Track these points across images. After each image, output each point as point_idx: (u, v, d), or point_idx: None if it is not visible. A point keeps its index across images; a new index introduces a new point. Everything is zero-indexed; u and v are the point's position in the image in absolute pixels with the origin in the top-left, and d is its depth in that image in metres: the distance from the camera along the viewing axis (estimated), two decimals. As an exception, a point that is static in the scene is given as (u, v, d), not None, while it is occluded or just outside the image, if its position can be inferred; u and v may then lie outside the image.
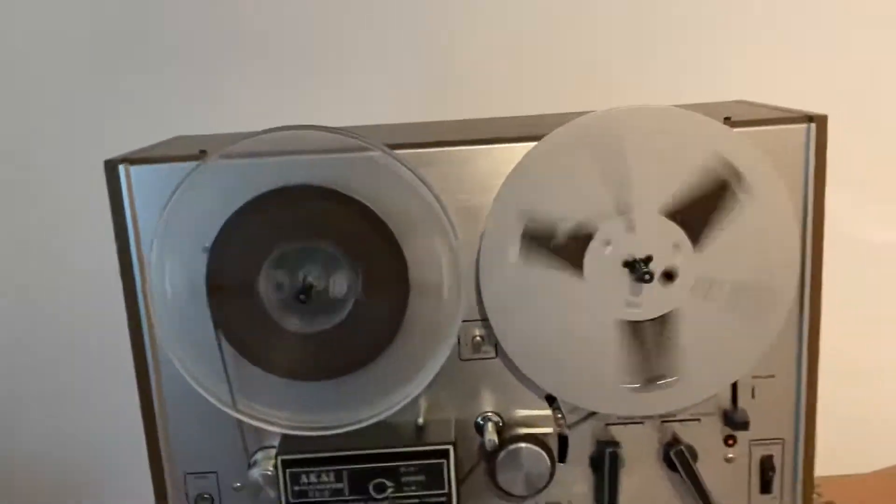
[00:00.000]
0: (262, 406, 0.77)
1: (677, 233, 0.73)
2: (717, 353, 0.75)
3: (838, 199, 1.26)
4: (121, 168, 0.74)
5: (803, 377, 0.78)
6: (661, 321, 0.74)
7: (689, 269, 0.73)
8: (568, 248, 0.73)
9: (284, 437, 0.77)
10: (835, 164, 0.78)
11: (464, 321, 0.76)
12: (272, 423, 0.76)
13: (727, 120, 0.74)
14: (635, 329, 0.75)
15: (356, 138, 0.71)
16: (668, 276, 0.73)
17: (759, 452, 0.80)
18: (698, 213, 0.72)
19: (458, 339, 0.77)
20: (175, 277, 0.74)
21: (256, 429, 0.78)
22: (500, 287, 0.75)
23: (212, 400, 0.75)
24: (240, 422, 0.78)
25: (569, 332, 0.75)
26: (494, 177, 0.73)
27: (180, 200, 0.72)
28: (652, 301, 0.74)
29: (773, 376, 0.78)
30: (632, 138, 0.72)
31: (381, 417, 0.75)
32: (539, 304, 0.75)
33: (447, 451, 0.75)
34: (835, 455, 1.28)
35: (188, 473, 0.81)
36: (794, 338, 0.78)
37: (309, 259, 0.73)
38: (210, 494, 0.81)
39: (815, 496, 1.22)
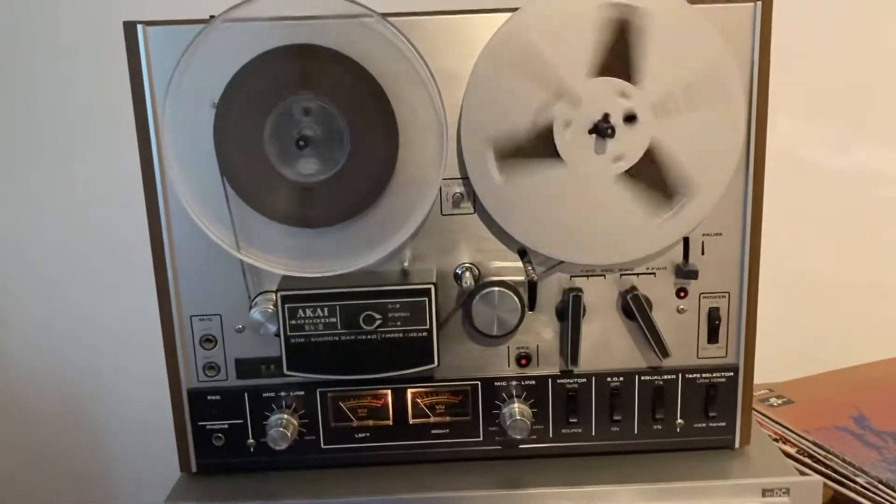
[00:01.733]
0: (262, 252, 0.85)
1: (614, 83, 0.81)
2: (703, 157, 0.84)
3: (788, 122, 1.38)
4: (139, 28, 0.82)
5: (747, 235, 0.87)
6: (648, 156, 0.83)
7: (644, 99, 0.81)
8: (539, 146, 0.82)
9: (284, 277, 0.86)
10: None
11: (445, 179, 0.85)
12: (272, 264, 0.85)
13: (687, -1, 0.83)
14: (633, 177, 0.84)
15: (353, 2, 0.79)
16: (631, 118, 0.81)
17: (707, 304, 0.90)
18: (619, 57, 0.80)
19: (440, 195, 0.86)
20: (186, 131, 0.82)
21: (257, 275, 0.87)
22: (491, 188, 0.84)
23: (218, 241, 0.83)
24: (243, 265, 0.86)
25: (565, 206, 0.84)
26: (474, 42, 0.82)
27: (190, 59, 0.80)
28: (631, 147, 0.82)
29: (720, 234, 0.88)
30: (535, 35, 0.80)
31: (371, 262, 0.84)
32: (531, 199, 0.84)
33: (429, 289, 0.84)
34: (793, 364, 1.40)
35: (193, 316, 0.89)
36: (740, 199, 0.87)
37: (308, 113, 0.82)
38: (213, 336, 0.90)
39: (773, 398, 1.33)
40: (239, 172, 0.83)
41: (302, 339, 0.84)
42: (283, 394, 0.91)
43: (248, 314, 0.86)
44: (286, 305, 0.84)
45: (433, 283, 0.84)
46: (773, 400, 1.30)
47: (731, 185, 0.85)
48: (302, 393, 0.91)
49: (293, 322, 0.84)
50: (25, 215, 1.38)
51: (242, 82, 0.81)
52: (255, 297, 0.88)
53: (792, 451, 1.16)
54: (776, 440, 1.19)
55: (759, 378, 1.35)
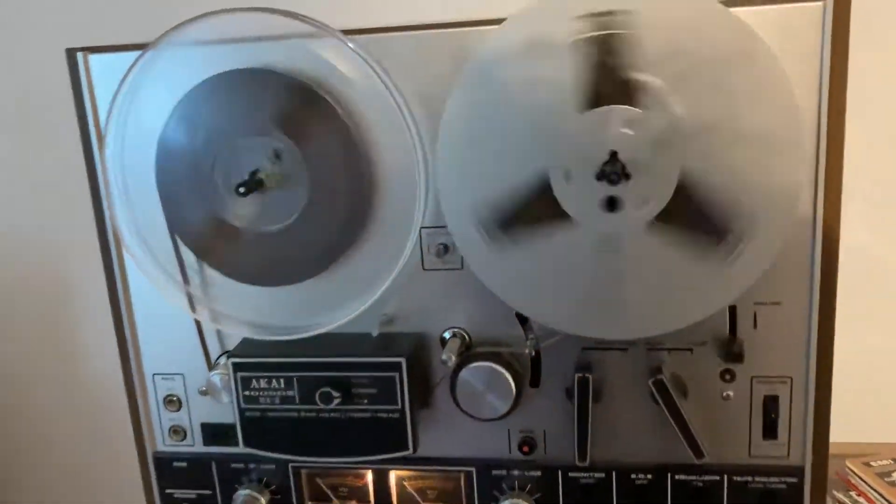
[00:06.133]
0: (221, 308, 0.74)
1: (615, 111, 0.61)
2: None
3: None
4: (79, 56, 0.72)
5: (815, 303, 0.67)
6: (683, 191, 0.62)
7: (660, 122, 0.61)
8: (539, 207, 0.64)
9: (244, 340, 0.74)
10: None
11: (425, 227, 0.70)
12: (230, 325, 0.73)
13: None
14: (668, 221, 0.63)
15: (310, 22, 0.66)
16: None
17: (761, 391, 0.70)
18: (613, 79, 0.61)
19: (420, 246, 0.71)
20: (130, 169, 0.72)
21: (219, 333, 0.77)
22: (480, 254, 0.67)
23: (168, 298, 0.73)
24: (199, 324, 0.76)
25: (576, 270, 0.65)
26: (453, 62, 0.66)
27: (136, 89, 0.70)
28: (657, 184, 0.62)
29: (779, 303, 0.68)
30: (507, 71, 0.63)
31: (338, 324, 0.70)
32: (531, 264, 0.66)
33: (399, 364, 0.69)
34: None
35: (156, 374, 0.80)
36: (806, 257, 0.66)
37: (258, 152, 0.69)
38: (177, 396, 0.80)
39: (874, 461, 1.10)
40: (186, 219, 0.72)
41: (258, 413, 0.73)
42: (252, 466, 0.80)
43: (208, 375, 0.76)
44: (238, 374, 0.72)
45: (403, 357, 0.69)
46: (896, 475, 1.07)
47: (793, 235, 0.65)
48: (273, 467, 0.79)
49: (247, 393, 0.72)
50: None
51: (186, 114, 0.69)
52: (217, 357, 0.77)
53: (910, 545, 0.94)
54: (892, 529, 0.96)
55: (887, 438, 1.13)
